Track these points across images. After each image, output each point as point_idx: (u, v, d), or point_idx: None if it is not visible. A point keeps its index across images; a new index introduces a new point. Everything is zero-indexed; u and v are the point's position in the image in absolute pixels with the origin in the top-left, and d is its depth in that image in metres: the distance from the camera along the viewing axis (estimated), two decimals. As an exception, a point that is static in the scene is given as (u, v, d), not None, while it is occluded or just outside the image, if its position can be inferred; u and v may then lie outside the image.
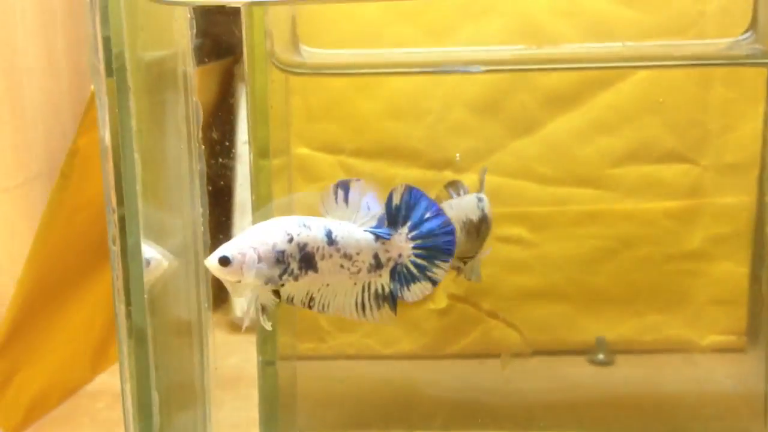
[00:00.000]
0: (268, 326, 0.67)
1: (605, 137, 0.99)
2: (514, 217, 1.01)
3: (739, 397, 0.96)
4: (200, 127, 0.66)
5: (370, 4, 0.92)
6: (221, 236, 0.76)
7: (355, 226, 0.67)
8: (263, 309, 0.67)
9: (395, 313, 0.67)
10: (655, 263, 1.01)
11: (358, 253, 0.66)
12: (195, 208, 0.67)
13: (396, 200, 0.66)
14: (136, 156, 0.56)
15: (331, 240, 0.65)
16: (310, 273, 0.65)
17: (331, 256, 0.65)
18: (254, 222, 0.82)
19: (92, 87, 0.91)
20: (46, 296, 0.94)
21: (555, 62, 0.84)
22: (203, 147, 0.67)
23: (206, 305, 0.71)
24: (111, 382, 1.04)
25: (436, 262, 0.67)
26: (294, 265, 0.65)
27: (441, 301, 1.03)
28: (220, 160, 0.79)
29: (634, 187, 0.99)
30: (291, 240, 0.65)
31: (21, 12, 1.01)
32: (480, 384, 1.00)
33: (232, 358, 1.03)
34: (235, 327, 1.16)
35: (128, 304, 0.58)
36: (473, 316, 1.03)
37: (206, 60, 0.74)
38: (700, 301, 1.02)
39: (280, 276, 0.65)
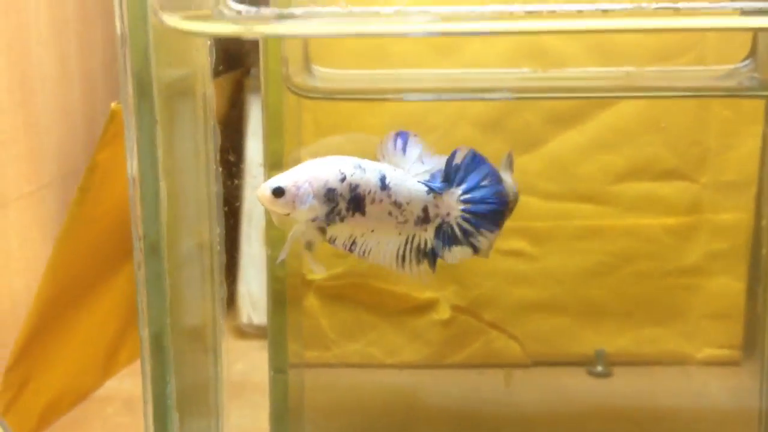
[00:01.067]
0: (314, 266, 0.66)
1: (606, 155, 1.01)
2: (516, 231, 1.02)
3: (734, 409, 0.98)
4: (218, 149, 0.68)
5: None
6: (232, 251, 0.77)
7: (409, 175, 0.66)
8: (309, 246, 0.65)
9: (433, 271, 0.66)
10: (653, 278, 1.02)
11: (408, 203, 0.65)
12: (212, 229, 0.68)
13: (458, 159, 0.65)
14: (162, 185, 0.58)
15: (384, 185, 0.64)
16: (357, 216, 0.64)
17: (381, 201, 0.65)
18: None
19: (112, 104, 0.93)
20: (62, 305, 0.96)
21: (559, 89, 0.85)
22: (220, 169, 0.69)
23: (221, 321, 0.73)
24: (121, 387, 1.06)
25: (482, 230, 0.65)
26: (342, 205, 0.64)
27: (444, 312, 1.05)
28: (232, 169, 0.80)
29: (634, 203, 1.01)
30: (343, 179, 0.64)
31: (35, 21, 1.02)
32: (481, 394, 1.02)
33: (239, 365, 1.05)
34: (241, 333, 1.18)
35: (152, 326, 0.60)
36: (475, 327, 1.05)
37: (219, 71, 0.75)
38: (696, 315, 1.03)
39: (328, 215, 0.64)
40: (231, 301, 1.18)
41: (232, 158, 0.80)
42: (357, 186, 0.64)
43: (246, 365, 1.04)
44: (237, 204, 1.09)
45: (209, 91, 0.65)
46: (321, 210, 0.64)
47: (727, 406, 0.99)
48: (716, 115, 0.99)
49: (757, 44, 0.80)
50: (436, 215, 0.66)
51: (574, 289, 1.03)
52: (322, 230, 0.65)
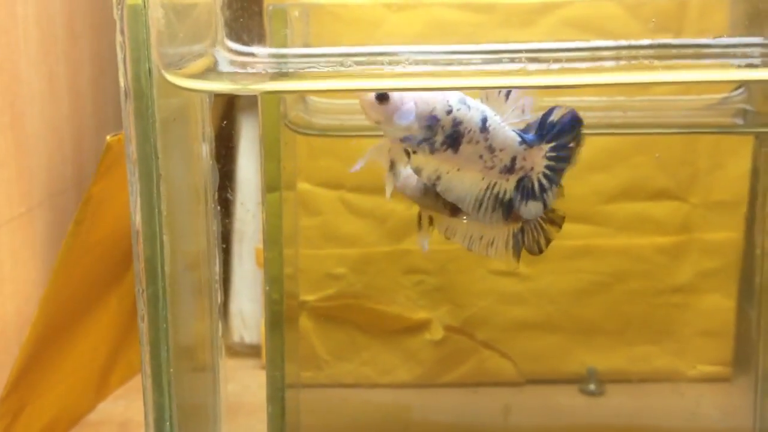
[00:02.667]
0: (389, 189, 0.65)
1: (599, 175, 1.01)
2: (509, 251, 1.03)
3: (726, 425, 0.99)
4: (217, 188, 0.68)
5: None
6: (224, 269, 0.76)
7: (506, 123, 0.65)
8: (392, 165, 0.65)
9: (504, 221, 0.66)
10: (645, 296, 1.03)
11: (501, 150, 0.64)
12: (211, 268, 0.68)
13: (555, 116, 0.65)
14: (166, 239, 0.58)
15: (484, 126, 0.63)
16: (449, 152, 0.64)
17: (477, 142, 0.64)
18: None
19: (108, 138, 0.93)
20: (57, 333, 0.96)
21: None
22: (219, 208, 0.69)
23: (218, 345, 0.73)
24: (114, 410, 1.05)
25: (554, 186, 0.66)
26: (439, 138, 0.63)
27: (437, 333, 1.06)
28: (226, 190, 0.80)
29: (627, 223, 1.02)
30: (450, 112, 0.63)
31: (24, 41, 1.02)
32: (474, 412, 1.03)
33: (231, 385, 1.04)
34: (233, 352, 1.17)
35: (157, 381, 0.60)
36: (468, 346, 1.05)
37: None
38: (688, 333, 1.04)
39: (420, 142, 0.63)
40: (222, 319, 1.18)
41: (222, 178, 0.80)
42: (460, 122, 0.63)
43: (238, 385, 1.04)
44: (228, 222, 1.09)
45: (209, 131, 0.65)
46: (417, 134, 0.63)
47: (719, 423, 1.00)
48: (706, 135, 0.99)
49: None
50: (521, 167, 0.65)
51: (567, 308, 1.04)
52: (407, 154, 0.64)
